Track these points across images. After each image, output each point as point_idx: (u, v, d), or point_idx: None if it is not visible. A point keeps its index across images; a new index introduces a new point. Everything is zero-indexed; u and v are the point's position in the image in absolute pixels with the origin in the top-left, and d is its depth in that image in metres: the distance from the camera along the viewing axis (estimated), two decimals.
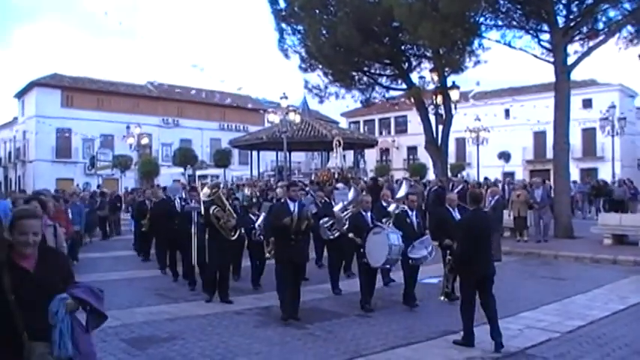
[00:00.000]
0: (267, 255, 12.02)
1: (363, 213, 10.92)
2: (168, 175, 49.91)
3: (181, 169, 48.32)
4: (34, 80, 54.17)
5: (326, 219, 12.63)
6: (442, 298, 10.78)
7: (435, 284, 11.90)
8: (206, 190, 11.71)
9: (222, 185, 13.11)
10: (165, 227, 14.33)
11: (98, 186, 40.05)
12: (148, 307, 11.30)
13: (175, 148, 53.80)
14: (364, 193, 13.57)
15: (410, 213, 11.16)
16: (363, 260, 10.30)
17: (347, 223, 11.72)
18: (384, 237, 10.01)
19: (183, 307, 11.41)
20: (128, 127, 51.95)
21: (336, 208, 12.63)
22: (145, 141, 48.87)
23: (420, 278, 11.20)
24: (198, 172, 49.42)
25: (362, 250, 10.35)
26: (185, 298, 12.24)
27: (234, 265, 13.28)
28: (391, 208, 12.17)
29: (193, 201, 12.76)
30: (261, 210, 13.42)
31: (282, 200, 10.80)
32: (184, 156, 48.44)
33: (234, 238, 11.56)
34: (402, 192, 13.25)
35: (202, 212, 11.61)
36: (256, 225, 12.93)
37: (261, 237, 12.71)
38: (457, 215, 10.79)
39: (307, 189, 18.13)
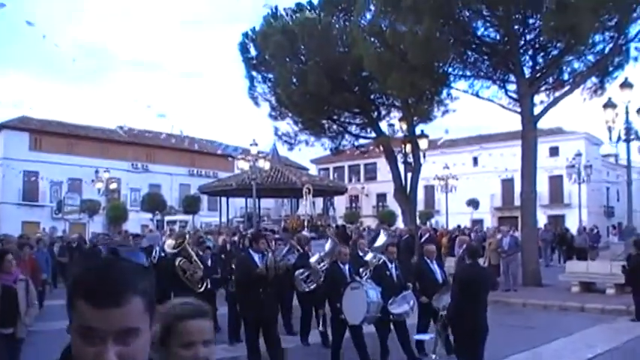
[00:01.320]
0: None
1: (341, 265, 10.42)
2: (137, 220, 49.53)
3: (150, 215, 47.93)
4: (1, 123, 53.65)
5: (301, 270, 12.15)
6: (434, 356, 10.10)
7: (427, 340, 10.88)
8: (170, 241, 11.43)
9: (188, 235, 12.54)
10: None
11: (63, 231, 39.49)
12: None
13: (144, 193, 53.42)
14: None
15: (389, 265, 10.68)
16: (340, 316, 9.71)
17: (323, 274, 11.36)
18: (363, 293, 9.50)
19: None
20: (97, 172, 51.50)
21: (313, 259, 12.21)
22: (113, 186, 48.46)
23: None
24: (167, 218, 49.11)
25: (338, 305, 9.79)
26: None
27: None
28: (368, 257, 11.58)
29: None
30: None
31: (244, 253, 10.65)
32: (153, 201, 48.07)
33: (201, 290, 10.97)
34: (380, 241, 12.68)
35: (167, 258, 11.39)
36: (233, 277, 12.23)
37: None
38: (435, 267, 10.64)
39: (280, 238, 17.72)
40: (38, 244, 18.99)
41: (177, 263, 10.79)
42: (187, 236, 11.98)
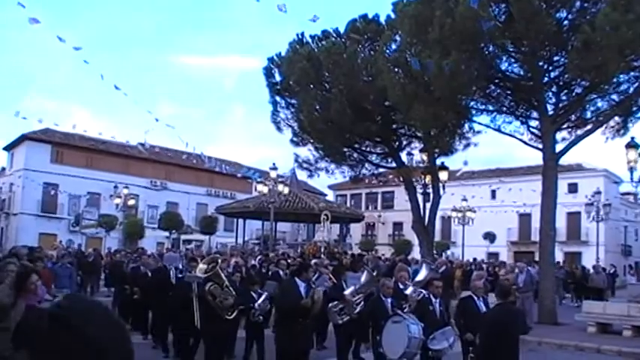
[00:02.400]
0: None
1: (383, 298, 10.22)
2: (153, 237, 49.74)
3: (166, 233, 48.16)
4: (25, 134, 54.16)
5: (335, 302, 11.66)
6: None
7: None
8: (202, 265, 11.05)
9: (220, 260, 11.88)
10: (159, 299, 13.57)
11: (79, 245, 39.76)
12: None
13: (161, 212, 53.73)
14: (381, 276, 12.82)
15: (433, 300, 10.33)
16: (379, 350, 9.49)
17: (357, 307, 11.14)
18: (404, 327, 9.19)
19: None
20: (116, 187, 51.87)
21: (347, 292, 11.73)
22: (131, 202, 48.75)
23: None
24: (183, 237, 49.29)
25: (378, 338, 9.59)
26: None
27: (229, 345, 12.47)
28: (408, 291, 11.22)
29: (193, 271, 12.05)
30: (265, 288, 12.41)
31: (289, 280, 10.38)
32: (170, 220, 48.33)
33: (231, 317, 10.73)
34: (422, 275, 12.20)
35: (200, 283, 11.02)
36: (256, 305, 11.77)
37: (261, 318, 11.87)
38: (482, 305, 10.19)
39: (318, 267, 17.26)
40: (63, 258, 18.54)
41: (207, 288, 10.43)
42: (219, 261, 11.45)
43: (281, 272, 16.97)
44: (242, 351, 12.62)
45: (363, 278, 11.94)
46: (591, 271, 30.77)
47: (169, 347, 13.24)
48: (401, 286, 11.46)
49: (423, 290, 10.74)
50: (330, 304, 11.60)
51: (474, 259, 32.55)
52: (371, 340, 9.81)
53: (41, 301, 7.05)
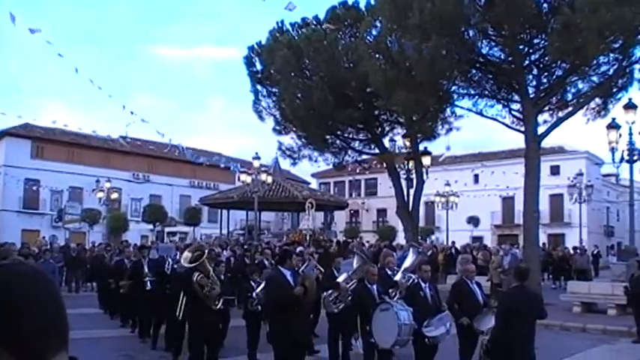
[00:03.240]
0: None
1: (368, 285, 9.81)
2: (137, 231, 49.56)
3: (150, 226, 47.99)
4: (4, 129, 53.62)
5: (330, 291, 11.44)
6: None
7: None
8: (187, 254, 10.50)
9: (206, 249, 11.38)
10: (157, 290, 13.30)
11: (67, 239, 39.49)
12: None
13: (145, 204, 53.52)
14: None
15: (423, 285, 10.00)
16: (370, 340, 9.12)
17: (351, 294, 10.78)
18: (393, 315, 8.87)
19: None
20: (98, 181, 51.57)
21: (341, 279, 11.52)
22: (114, 195, 48.54)
23: None
24: (167, 229, 49.12)
25: (368, 328, 9.14)
26: None
27: (220, 336, 12.09)
28: (397, 277, 11.12)
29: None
30: (263, 277, 11.99)
31: (273, 270, 9.69)
32: (154, 212, 48.15)
33: (218, 307, 10.39)
34: (409, 261, 11.98)
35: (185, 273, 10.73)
36: (254, 294, 11.77)
37: (259, 307, 11.59)
38: (475, 288, 10.06)
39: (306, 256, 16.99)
40: (45, 254, 18.33)
41: (195, 278, 10.05)
42: (206, 250, 10.94)
43: (266, 261, 16.78)
44: (235, 341, 12.54)
45: (355, 263, 11.68)
46: (574, 252, 30.94)
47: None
48: (389, 272, 11.26)
49: (412, 275, 10.61)
50: (325, 294, 11.44)
51: (453, 243, 32.55)
52: (359, 330, 9.37)
53: None
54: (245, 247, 25.47)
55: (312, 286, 8.81)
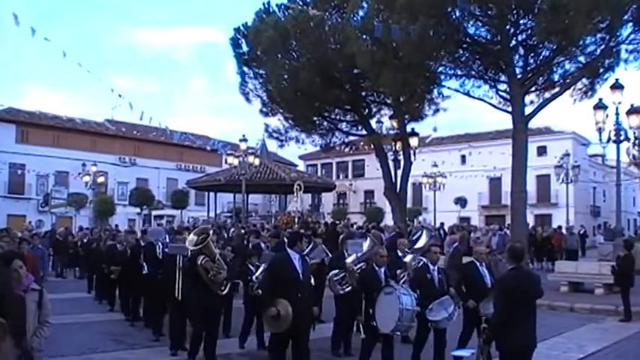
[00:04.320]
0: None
1: (376, 268, 9.35)
2: (124, 214, 49.40)
3: (137, 210, 47.81)
4: None
5: (336, 271, 11.03)
6: None
7: (467, 357, 8.92)
8: (192, 236, 10.14)
9: (211, 230, 10.87)
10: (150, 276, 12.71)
11: (53, 224, 39.31)
12: (104, 354, 11.09)
13: (132, 188, 53.29)
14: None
15: (431, 267, 9.63)
16: (372, 323, 8.74)
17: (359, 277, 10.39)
18: (395, 299, 8.54)
19: (141, 354, 11.22)
20: (84, 165, 51.27)
21: (349, 260, 11.04)
22: (100, 179, 48.23)
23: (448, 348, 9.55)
24: (155, 213, 48.95)
25: (371, 311, 8.81)
26: (143, 344, 12.00)
27: (225, 320, 12.02)
28: (407, 259, 10.95)
29: (178, 243, 11.49)
30: (262, 260, 11.60)
31: (283, 252, 9.06)
32: (141, 196, 47.93)
33: (224, 292, 10.14)
34: (422, 242, 11.72)
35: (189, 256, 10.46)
36: (254, 277, 11.30)
37: (259, 292, 10.69)
38: (484, 271, 9.80)
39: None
40: (34, 239, 17.79)
41: (200, 262, 9.71)
42: (211, 232, 10.50)
43: (262, 244, 16.20)
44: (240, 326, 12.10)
45: (366, 246, 11.27)
46: (564, 232, 30.96)
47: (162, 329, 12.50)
48: (400, 254, 11.09)
49: (422, 258, 10.33)
50: (331, 273, 11.10)
51: (442, 224, 32.61)
52: (363, 313, 8.96)
53: (27, 290, 5.88)
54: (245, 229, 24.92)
55: (286, 315, 8.02)
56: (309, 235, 17.19)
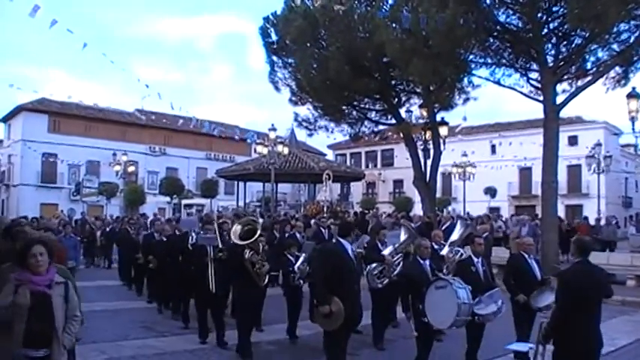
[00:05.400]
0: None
1: (421, 261, 8.85)
2: (154, 203, 49.84)
3: (167, 198, 48.18)
4: (21, 104, 53.87)
5: (374, 265, 10.64)
6: None
7: (524, 352, 8.30)
8: (237, 227, 9.81)
9: (259, 225, 10.36)
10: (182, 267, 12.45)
11: (82, 213, 39.74)
12: (135, 341, 11.24)
13: (162, 177, 53.72)
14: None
15: (475, 260, 9.26)
16: (423, 320, 8.20)
17: (397, 268, 10.29)
18: (451, 293, 8.02)
19: (171, 342, 11.32)
20: (115, 154, 51.78)
21: (386, 252, 10.72)
22: (131, 169, 48.68)
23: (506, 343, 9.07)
24: (184, 202, 49.31)
25: (420, 307, 8.28)
26: (172, 332, 12.15)
27: (258, 314, 11.68)
28: (444, 251, 10.69)
29: (208, 233, 11.39)
30: (303, 250, 11.59)
31: (334, 240, 8.65)
32: (171, 185, 48.28)
33: (265, 283, 10.09)
34: (457, 233, 11.42)
35: (220, 246, 10.56)
36: (296, 267, 11.15)
37: (301, 282, 11.14)
38: (533, 263, 9.53)
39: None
40: (66, 228, 17.50)
41: (247, 256, 9.54)
42: (258, 226, 10.11)
43: (298, 234, 16.22)
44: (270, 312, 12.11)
45: (403, 236, 11.02)
46: (602, 222, 30.52)
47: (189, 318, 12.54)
48: (435, 247, 10.58)
49: (461, 249, 10.13)
50: (369, 267, 10.70)
51: (468, 214, 32.32)
52: (411, 309, 8.44)
53: (51, 285, 5.31)
54: (275, 219, 24.53)
55: (338, 312, 7.55)
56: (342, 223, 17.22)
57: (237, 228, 9.80)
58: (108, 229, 26.44)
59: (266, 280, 10.01)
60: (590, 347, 6.42)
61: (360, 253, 10.23)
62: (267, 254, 10.40)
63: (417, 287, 8.41)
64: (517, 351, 8.39)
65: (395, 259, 10.57)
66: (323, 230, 17.85)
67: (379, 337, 10.87)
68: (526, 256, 9.59)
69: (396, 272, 10.23)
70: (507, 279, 9.59)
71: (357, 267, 8.24)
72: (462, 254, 9.96)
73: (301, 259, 11.11)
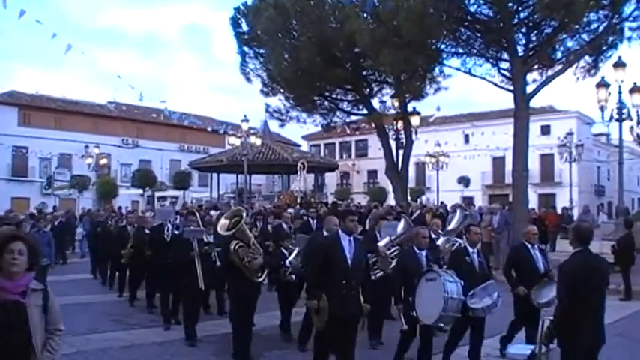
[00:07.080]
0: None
1: (417, 251, 8.42)
2: (127, 196, 49.44)
3: (140, 191, 47.82)
4: None
5: (368, 255, 9.44)
6: None
7: (525, 356, 7.58)
8: (224, 221, 9.36)
9: (244, 213, 9.93)
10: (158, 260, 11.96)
11: (54, 207, 39.30)
12: (104, 334, 11.20)
13: (135, 169, 53.31)
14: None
15: (470, 250, 8.76)
16: (412, 313, 7.86)
17: (393, 261, 9.76)
18: (439, 286, 7.59)
19: (140, 334, 11.28)
20: (87, 147, 51.31)
21: (382, 243, 10.30)
22: (103, 161, 48.28)
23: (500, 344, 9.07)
24: (158, 194, 48.98)
25: (410, 299, 7.96)
26: (142, 324, 12.12)
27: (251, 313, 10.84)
28: (440, 241, 10.43)
29: (191, 225, 11.11)
30: (295, 244, 10.89)
31: (332, 233, 8.09)
32: (144, 177, 47.85)
33: (261, 279, 9.37)
34: (454, 223, 11.15)
35: (205, 239, 10.39)
36: (287, 262, 10.46)
37: (293, 277, 10.34)
38: (537, 254, 9.10)
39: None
40: (39, 222, 16.47)
41: (233, 248, 8.99)
42: (244, 215, 9.62)
43: (284, 225, 15.77)
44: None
45: (400, 227, 10.62)
46: (579, 211, 30.71)
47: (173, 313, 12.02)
48: (433, 236, 10.29)
49: (457, 239, 9.84)
50: None
51: (441, 203, 32.28)
52: (402, 302, 8.13)
53: (27, 291, 4.41)
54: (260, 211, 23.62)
55: (323, 308, 7.17)
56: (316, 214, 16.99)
57: (224, 222, 9.37)
58: (57, 224, 24.27)
59: (262, 276, 9.38)
60: (594, 344, 6.15)
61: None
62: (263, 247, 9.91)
63: (409, 278, 8.07)
64: (517, 353, 7.97)
65: (390, 251, 10.14)
66: (311, 221, 17.06)
67: (376, 332, 10.29)
68: (529, 246, 9.17)
69: (391, 266, 9.67)
70: (507, 270, 9.34)
71: (358, 261, 7.45)
72: (458, 244, 9.69)
73: (294, 253, 10.52)
